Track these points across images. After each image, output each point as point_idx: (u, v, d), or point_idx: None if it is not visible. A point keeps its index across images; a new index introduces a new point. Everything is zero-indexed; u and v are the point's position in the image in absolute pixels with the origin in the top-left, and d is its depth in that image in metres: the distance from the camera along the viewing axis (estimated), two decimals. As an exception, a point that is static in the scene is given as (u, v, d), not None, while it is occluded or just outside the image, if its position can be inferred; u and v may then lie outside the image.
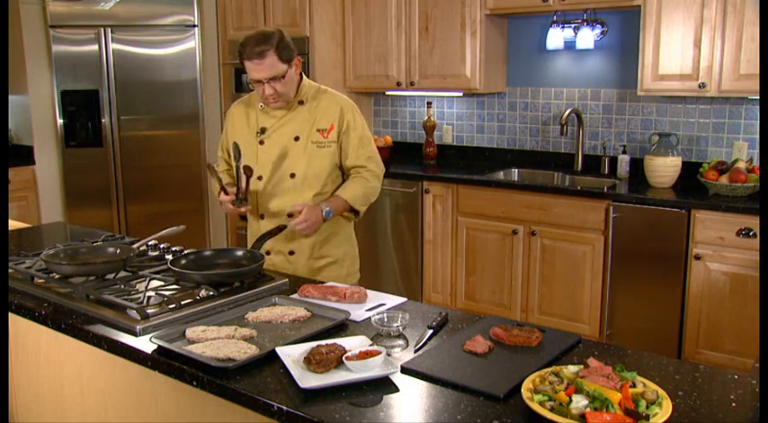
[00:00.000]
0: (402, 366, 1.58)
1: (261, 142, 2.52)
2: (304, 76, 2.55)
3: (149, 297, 1.97)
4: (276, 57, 2.33)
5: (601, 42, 4.34)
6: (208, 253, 2.30)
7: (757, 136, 3.91)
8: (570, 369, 1.48)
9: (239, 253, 2.29)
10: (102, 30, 5.11)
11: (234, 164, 2.46)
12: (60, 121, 5.14)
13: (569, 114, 4.35)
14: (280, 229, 2.46)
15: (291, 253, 2.56)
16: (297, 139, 2.49)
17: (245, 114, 2.59)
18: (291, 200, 2.50)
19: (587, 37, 4.26)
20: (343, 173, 2.61)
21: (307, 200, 2.49)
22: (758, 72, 3.50)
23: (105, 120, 5.21)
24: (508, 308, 4.24)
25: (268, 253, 2.55)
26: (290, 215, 2.49)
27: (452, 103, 5.04)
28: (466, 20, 4.44)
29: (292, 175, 2.50)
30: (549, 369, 1.49)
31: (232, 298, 2.02)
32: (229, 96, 5.50)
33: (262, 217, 2.56)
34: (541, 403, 1.35)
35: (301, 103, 2.52)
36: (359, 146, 2.54)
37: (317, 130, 2.50)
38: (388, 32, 4.80)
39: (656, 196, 3.72)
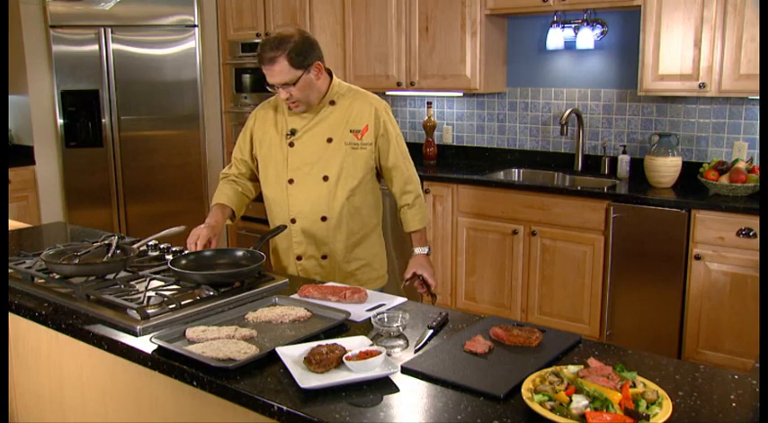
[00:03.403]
0: (402, 366, 1.58)
1: (291, 144, 2.47)
2: (335, 76, 2.52)
3: (149, 297, 1.97)
4: (287, 63, 2.29)
5: (601, 42, 4.34)
6: (208, 253, 2.30)
7: (757, 136, 3.90)
8: (570, 369, 1.48)
9: (239, 253, 2.29)
10: (103, 30, 5.11)
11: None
12: (60, 122, 5.14)
13: (569, 114, 4.35)
14: (280, 229, 2.45)
15: (324, 257, 2.52)
16: (330, 140, 2.45)
17: (272, 116, 2.54)
18: (324, 202, 2.46)
19: (587, 37, 4.26)
20: (379, 173, 2.59)
21: (340, 201, 2.46)
22: (758, 72, 3.50)
23: (105, 120, 5.21)
24: (508, 308, 4.24)
25: (299, 258, 2.53)
26: (324, 219, 2.48)
27: (452, 104, 5.04)
28: (466, 20, 4.44)
29: (325, 178, 2.45)
30: (550, 369, 1.49)
31: (232, 298, 2.02)
32: (229, 96, 5.50)
33: (293, 221, 2.50)
34: (541, 403, 1.35)
35: (332, 103, 2.47)
36: (396, 145, 2.54)
37: (351, 131, 2.45)
38: (389, 33, 4.80)
39: (657, 196, 3.72)
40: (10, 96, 5.20)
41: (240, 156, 2.63)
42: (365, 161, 2.49)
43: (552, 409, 1.33)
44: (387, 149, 2.51)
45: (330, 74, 2.50)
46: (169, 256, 2.36)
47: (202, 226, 2.42)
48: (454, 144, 5.08)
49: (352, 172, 2.47)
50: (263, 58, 2.31)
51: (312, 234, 2.49)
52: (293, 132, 2.47)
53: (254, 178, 2.65)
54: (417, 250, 2.60)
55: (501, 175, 4.55)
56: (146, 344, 1.72)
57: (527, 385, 1.42)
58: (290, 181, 2.48)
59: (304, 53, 2.33)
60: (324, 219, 2.48)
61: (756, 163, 3.77)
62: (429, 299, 2.62)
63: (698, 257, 3.54)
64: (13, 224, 3.18)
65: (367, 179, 2.53)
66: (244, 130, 2.62)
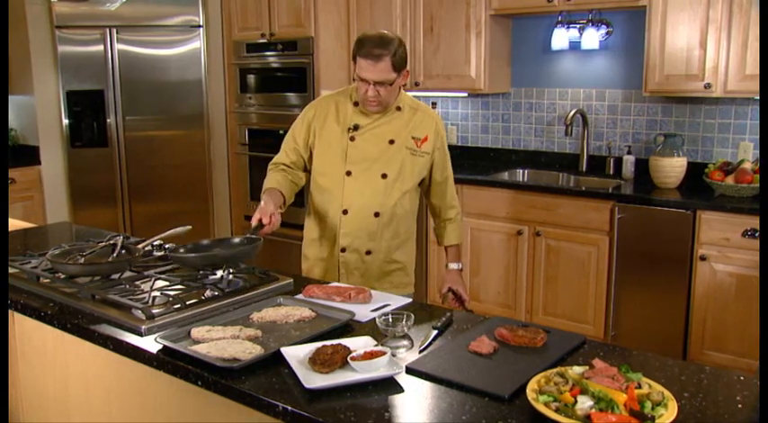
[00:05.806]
0: (407, 367, 1.58)
1: (352, 138, 2.51)
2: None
3: (154, 297, 1.97)
4: (391, 64, 2.37)
5: (606, 43, 4.34)
6: (206, 242, 2.31)
7: (763, 136, 3.90)
8: (575, 370, 1.48)
9: (236, 240, 2.30)
10: (108, 30, 5.12)
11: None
12: (66, 122, 5.16)
13: (574, 115, 4.34)
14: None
15: (368, 253, 2.56)
16: (392, 142, 2.51)
17: (334, 108, 2.57)
18: (380, 198, 2.51)
19: (592, 37, 4.26)
20: (430, 182, 2.65)
21: (394, 199, 2.51)
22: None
23: (110, 120, 5.22)
24: (513, 308, 4.23)
25: (344, 250, 2.55)
26: (377, 214, 2.50)
27: (457, 104, 5.04)
28: (471, 20, 4.44)
29: (384, 176, 2.50)
30: (554, 370, 1.49)
31: (237, 298, 2.02)
32: (234, 97, 5.50)
33: (345, 212, 2.53)
34: (546, 404, 1.35)
35: (399, 108, 2.54)
36: (448, 161, 2.67)
37: (412, 138, 2.53)
38: (393, 33, 4.79)
39: (662, 197, 3.71)
40: (15, 97, 5.21)
41: (294, 144, 2.61)
42: (421, 168, 2.57)
43: (557, 410, 1.33)
44: (442, 164, 2.63)
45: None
46: (174, 256, 2.36)
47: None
48: (459, 144, 5.07)
49: (409, 175, 2.54)
50: (369, 53, 2.35)
51: (362, 228, 2.52)
52: (356, 128, 2.51)
53: (305, 168, 2.65)
54: (452, 266, 2.71)
55: (505, 176, 4.55)
56: (151, 344, 1.73)
57: (532, 386, 1.42)
58: (348, 173, 2.51)
59: (402, 57, 2.43)
60: (377, 214, 2.52)
61: (762, 163, 3.77)
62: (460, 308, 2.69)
63: (703, 258, 3.53)
64: (18, 224, 3.18)
65: (416, 186, 2.61)
66: (301, 121, 2.61)
